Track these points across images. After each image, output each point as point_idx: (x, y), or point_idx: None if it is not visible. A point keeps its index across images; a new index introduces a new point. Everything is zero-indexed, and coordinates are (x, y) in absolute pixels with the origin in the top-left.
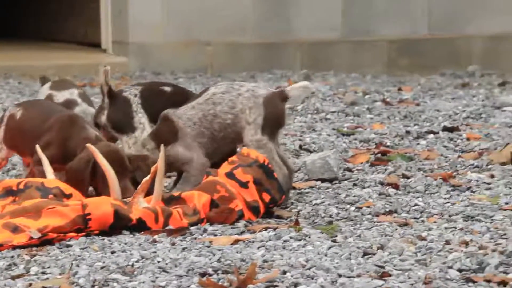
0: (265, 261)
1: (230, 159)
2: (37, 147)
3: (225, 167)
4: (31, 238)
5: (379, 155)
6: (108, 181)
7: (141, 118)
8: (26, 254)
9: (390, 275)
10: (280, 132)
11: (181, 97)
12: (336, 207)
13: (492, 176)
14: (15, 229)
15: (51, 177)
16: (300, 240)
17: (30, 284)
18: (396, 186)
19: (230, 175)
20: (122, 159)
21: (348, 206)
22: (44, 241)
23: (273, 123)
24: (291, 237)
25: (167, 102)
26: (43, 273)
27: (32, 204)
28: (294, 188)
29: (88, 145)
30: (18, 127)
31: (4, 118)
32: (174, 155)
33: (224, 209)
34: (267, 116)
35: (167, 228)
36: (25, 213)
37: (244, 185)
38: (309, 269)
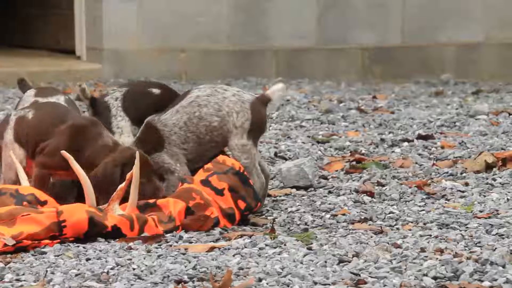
0: (240, 268)
1: (205, 166)
2: (64, 152)
3: (200, 175)
4: (5, 245)
5: (354, 162)
6: (85, 188)
7: (119, 122)
8: (0, 261)
9: (365, 283)
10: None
11: (169, 98)
12: (312, 214)
13: (467, 184)
14: None
15: (25, 184)
16: (275, 247)
17: None
18: (371, 194)
19: (205, 183)
20: (146, 161)
21: (324, 213)
22: (18, 248)
23: (258, 128)
24: (266, 245)
25: (154, 104)
26: (18, 280)
27: (6, 210)
28: (269, 195)
29: (63, 152)
30: (29, 127)
31: (9, 121)
32: (160, 162)
33: (200, 216)
34: (253, 121)
35: (142, 235)
36: None
37: (219, 192)
38: (284, 276)
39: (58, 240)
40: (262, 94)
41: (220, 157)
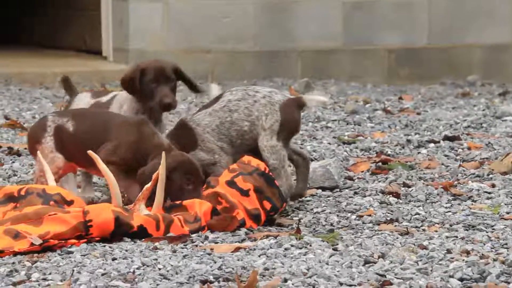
0: (266, 269)
1: (230, 167)
2: (90, 152)
3: (225, 175)
4: (32, 244)
5: (380, 163)
6: (111, 188)
7: None
8: (27, 261)
9: (391, 284)
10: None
11: None
12: (337, 215)
13: (493, 186)
14: (16, 236)
15: (52, 184)
16: (301, 248)
17: None
18: (397, 195)
19: (231, 183)
20: (197, 169)
21: (349, 214)
22: (45, 248)
23: (288, 130)
24: (292, 245)
25: None
26: (44, 279)
27: (33, 210)
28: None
29: (89, 152)
30: (74, 138)
31: (47, 128)
32: (198, 159)
33: (226, 216)
34: (283, 122)
35: (168, 235)
36: (26, 219)
37: (245, 193)
38: (310, 277)
39: (85, 240)
40: (298, 97)
41: (245, 158)
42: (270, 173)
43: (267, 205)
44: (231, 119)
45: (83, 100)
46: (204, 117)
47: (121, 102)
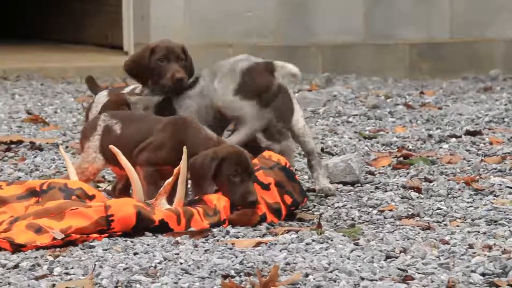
0: (287, 263)
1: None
2: (112, 147)
3: None
4: (55, 238)
5: (401, 158)
6: (133, 183)
7: None
8: (49, 255)
9: (413, 279)
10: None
11: None
12: (358, 210)
13: None
14: (39, 230)
15: (74, 178)
16: (322, 243)
17: (54, 285)
18: (418, 190)
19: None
20: (247, 162)
21: (370, 209)
22: (67, 242)
23: (254, 91)
24: (313, 240)
25: None
26: (67, 273)
27: (55, 205)
28: (314, 190)
29: (111, 146)
30: (120, 140)
31: (97, 127)
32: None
33: (246, 211)
34: (241, 84)
35: (189, 230)
36: (48, 214)
37: (266, 187)
38: (331, 272)
39: (106, 234)
40: (268, 61)
41: (266, 153)
42: (291, 168)
43: (288, 200)
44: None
45: (102, 99)
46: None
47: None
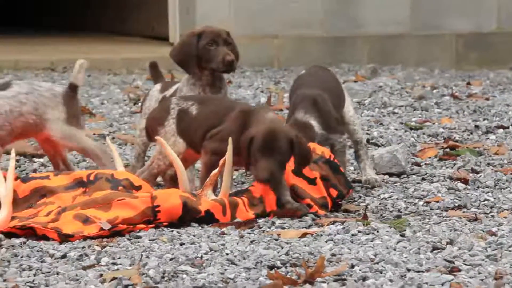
0: (333, 254)
1: None
2: (158, 138)
3: (290, 164)
4: (102, 229)
5: (447, 149)
6: (179, 174)
7: None
8: (96, 245)
9: (459, 270)
10: None
11: None
12: (405, 201)
13: None
14: (86, 220)
15: (121, 169)
16: (368, 234)
17: (101, 275)
18: (465, 181)
19: (297, 173)
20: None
21: (417, 200)
22: (114, 232)
23: None
24: (359, 231)
25: None
26: (114, 263)
27: (102, 195)
28: (359, 181)
29: (157, 137)
30: (195, 123)
31: (170, 110)
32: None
33: (290, 209)
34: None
35: (235, 221)
36: (95, 204)
37: (312, 181)
38: (377, 263)
39: (153, 225)
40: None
41: (311, 146)
42: (335, 160)
43: (334, 193)
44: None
45: (155, 93)
46: None
47: (180, 88)
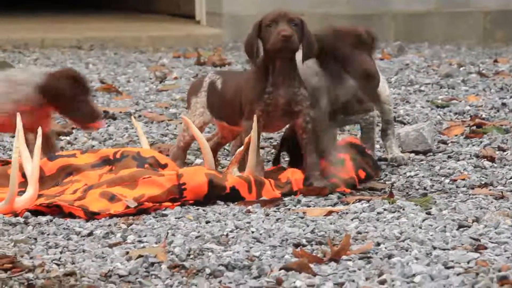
0: (358, 232)
1: None
2: (183, 116)
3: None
4: (128, 207)
5: (474, 127)
6: (204, 152)
7: None
8: (122, 223)
9: (485, 248)
10: None
11: None
12: (431, 179)
13: None
14: (112, 198)
15: (146, 147)
16: (394, 212)
17: (127, 252)
18: (491, 159)
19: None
20: (314, 42)
21: (443, 178)
22: (140, 210)
23: None
24: (385, 209)
25: None
26: (140, 241)
27: (128, 173)
28: (385, 159)
29: (183, 116)
30: (220, 96)
31: (203, 83)
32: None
33: (316, 188)
34: None
35: (261, 199)
36: (121, 182)
37: (341, 162)
38: (403, 241)
39: (179, 203)
40: None
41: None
42: (362, 145)
43: (362, 174)
44: None
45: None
46: None
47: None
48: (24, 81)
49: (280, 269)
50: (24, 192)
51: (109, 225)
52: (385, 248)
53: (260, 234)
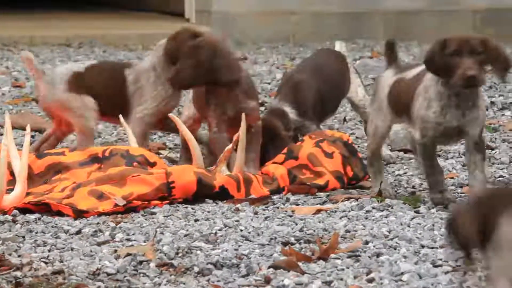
0: (347, 231)
1: (312, 135)
2: (171, 115)
3: (308, 142)
4: (116, 205)
5: None
6: (192, 150)
7: None
8: (111, 221)
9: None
10: None
11: None
12: (419, 177)
13: None
14: (101, 196)
15: (135, 146)
16: (382, 210)
17: (115, 251)
18: None
19: (317, 146)
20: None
21: None
22: (128, 209)
23: None
24: (373, 208)
25: None
26: (128, 239)
27: (117, 171)
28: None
29: (171, 115)
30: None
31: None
32: None
33: (304, 187)
34: None
35: (249, 197)
36: (110, 180)
37: (329, 155)
38: (391, 239)
39: (167, 201)
40: None
41: (328, 131)
42: (353, 144)
43: (349, 172)
44: None
45: (388, 76)
46: None
47: (429, 83)
48: None
49: (269, 267)
50: (12, 190)
51: (98, 223)
52: (374, 246)
53: (249, 232)
